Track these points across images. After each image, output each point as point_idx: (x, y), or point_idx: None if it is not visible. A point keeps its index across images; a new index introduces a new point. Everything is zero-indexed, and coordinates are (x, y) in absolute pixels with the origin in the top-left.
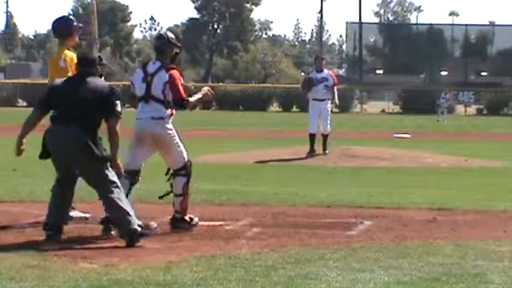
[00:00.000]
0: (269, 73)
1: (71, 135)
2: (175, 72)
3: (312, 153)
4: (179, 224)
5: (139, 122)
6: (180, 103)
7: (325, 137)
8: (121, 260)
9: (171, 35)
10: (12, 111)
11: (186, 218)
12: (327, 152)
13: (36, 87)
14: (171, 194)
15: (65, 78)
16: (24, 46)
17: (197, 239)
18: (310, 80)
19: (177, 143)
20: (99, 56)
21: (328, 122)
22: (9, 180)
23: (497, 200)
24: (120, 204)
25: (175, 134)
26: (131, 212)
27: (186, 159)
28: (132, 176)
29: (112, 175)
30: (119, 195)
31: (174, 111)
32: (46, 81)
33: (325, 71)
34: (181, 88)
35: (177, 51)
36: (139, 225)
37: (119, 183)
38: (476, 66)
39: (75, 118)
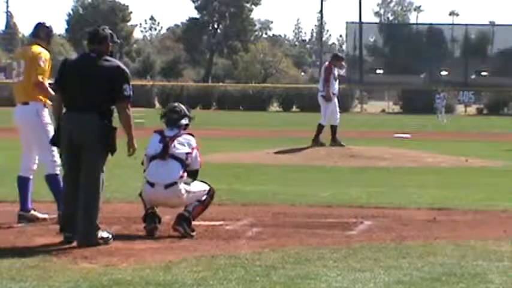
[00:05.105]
0: (269, 73)
1: (87, 121)
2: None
3: (317, 142)
4: (184, 223)
5: (150, 188)
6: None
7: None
8: (121, 260)
9: (186, 108)
10: (12, 111)
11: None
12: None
13: None
14: None
15: (76, 56)
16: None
17: (197, 239)
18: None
19: (189, 187)
20: (111, 33)
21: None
22: (10, 181)
23: (497, 200)
24: (99, 203)
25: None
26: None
27: (209, 188)
28: None
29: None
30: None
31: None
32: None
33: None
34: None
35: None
36: (102, 237)
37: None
38: (476, 66)
39: (87, 103)
